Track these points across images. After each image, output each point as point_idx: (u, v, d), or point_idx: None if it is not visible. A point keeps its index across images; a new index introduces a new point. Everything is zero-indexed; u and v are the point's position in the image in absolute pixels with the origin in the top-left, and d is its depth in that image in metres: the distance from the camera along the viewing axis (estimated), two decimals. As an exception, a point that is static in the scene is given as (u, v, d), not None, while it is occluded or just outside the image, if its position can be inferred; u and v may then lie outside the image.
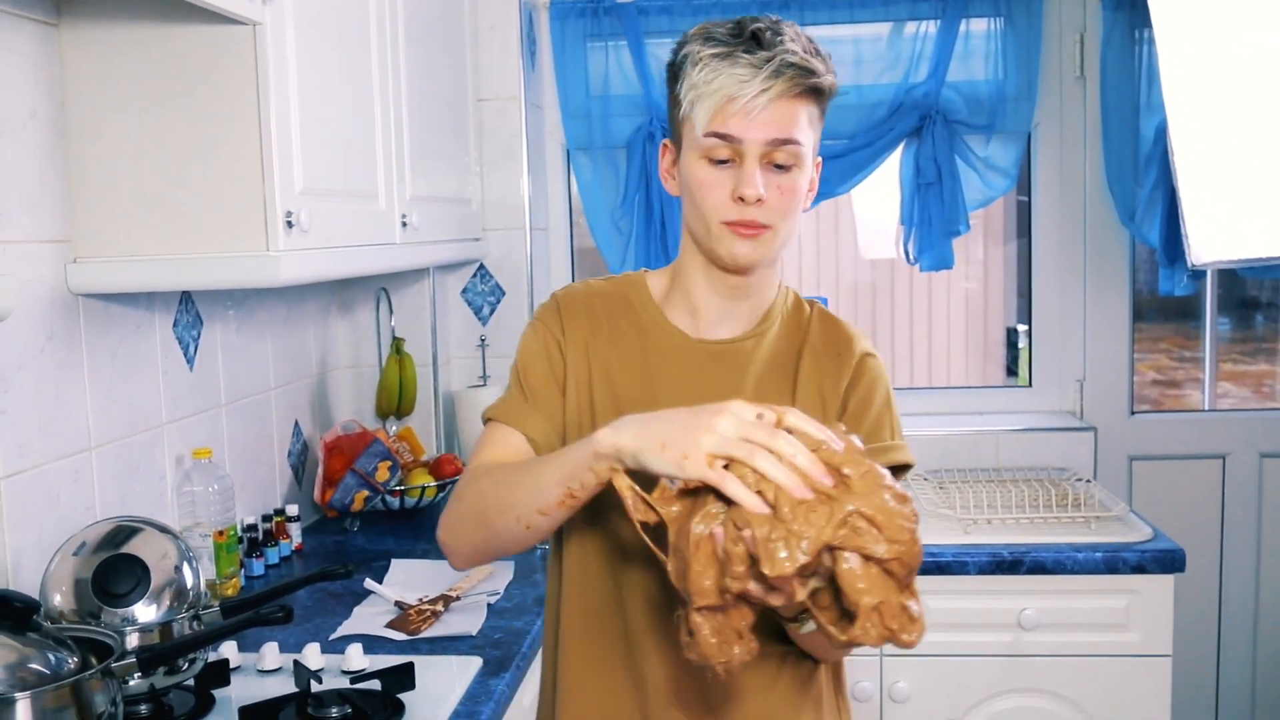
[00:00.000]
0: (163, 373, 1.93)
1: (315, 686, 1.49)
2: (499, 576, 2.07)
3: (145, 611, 1.45)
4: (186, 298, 2.01)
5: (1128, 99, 2.75)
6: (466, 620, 1.83)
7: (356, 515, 2.42)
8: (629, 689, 1.30)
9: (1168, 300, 2.98)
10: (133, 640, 1.42)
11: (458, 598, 1.93)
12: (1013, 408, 3.04)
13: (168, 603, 1.47)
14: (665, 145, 1.31)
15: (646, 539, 1.05)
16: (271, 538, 2.20)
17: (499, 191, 2.81)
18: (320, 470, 2.41)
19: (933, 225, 2.83)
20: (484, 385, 2.78)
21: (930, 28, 2.82)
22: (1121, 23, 2.74)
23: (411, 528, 2.46)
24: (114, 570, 1.45)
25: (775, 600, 0.98)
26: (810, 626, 1.10)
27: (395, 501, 2.44)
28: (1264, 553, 2.95)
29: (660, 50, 2.89)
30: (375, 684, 1.52)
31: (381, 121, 2.06)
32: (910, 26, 2.84)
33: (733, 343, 1.32)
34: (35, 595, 1.39)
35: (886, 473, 0.98)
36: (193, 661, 1.50)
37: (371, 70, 2.02)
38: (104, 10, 1.62)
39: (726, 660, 1.02)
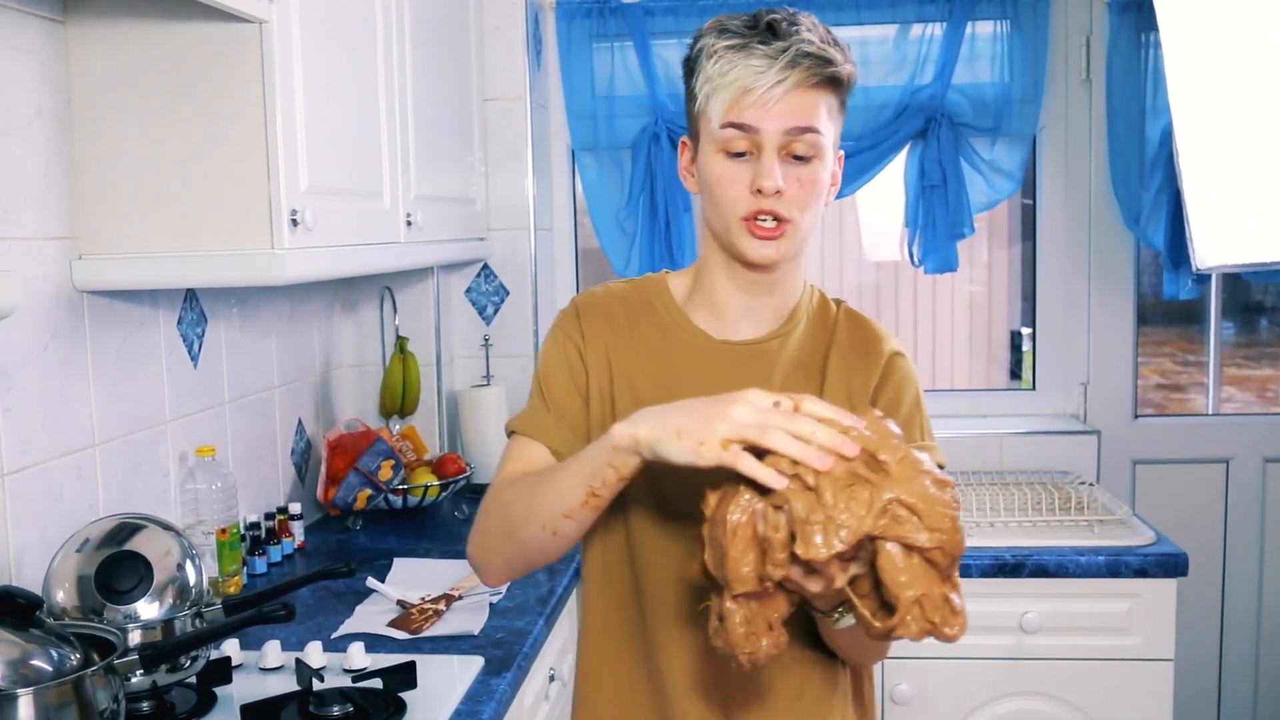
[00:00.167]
0: (167, 370, 1.94)
1: (317, 685, 1.49)
2: (501, 576, 2.06)
3: (148, 609, 1.45)
4: (191, 295, 2.01)
5: (1133, 102, 2.75)
6: (468, 619, 1.83)
7: (359, 514, 2.43)
8: (648, 685, 1.29)
9: (1172, 304, 2.97)
10: (135, 637, 1.42)
11: (460, 597, 1.93)
12: (1016, 411, 3.03)
13: (170, 600, 1.47)
14: (683, 143, 1.29)
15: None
16: (274, 536, 2.20)
17: (504, 191, 2.81)
18: (323, 469, 2.41)
19: (937, 228, 2.83)
20: (487, 385, 2.78)
21: (936, 30, 2.82)
22: (1128, 26, 2.73)
23: (414, 527, 2.46)
24: (117, 567, 1.45)
25: (814, 586, 0.97)
26: (847, 621, 1.07)
27: (398, 500, 2.44)
28: (1267, 557, 2.94)
29: (666, 51, 2.89)
30: (377, 683, 1.51)
31: (387, 120, 2.06)
32: (916, 29, 2.84)
33: (757, 343, 1.29)
34: (38, 592, 1.39)
35: (925, 458, 0.96)
36: (195, 659, 1.50)
37: (377, 69, 2.02)
38: (111, 8, 1.62)
39: (752, 651, 1.00)
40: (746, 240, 1.20)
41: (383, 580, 2.02)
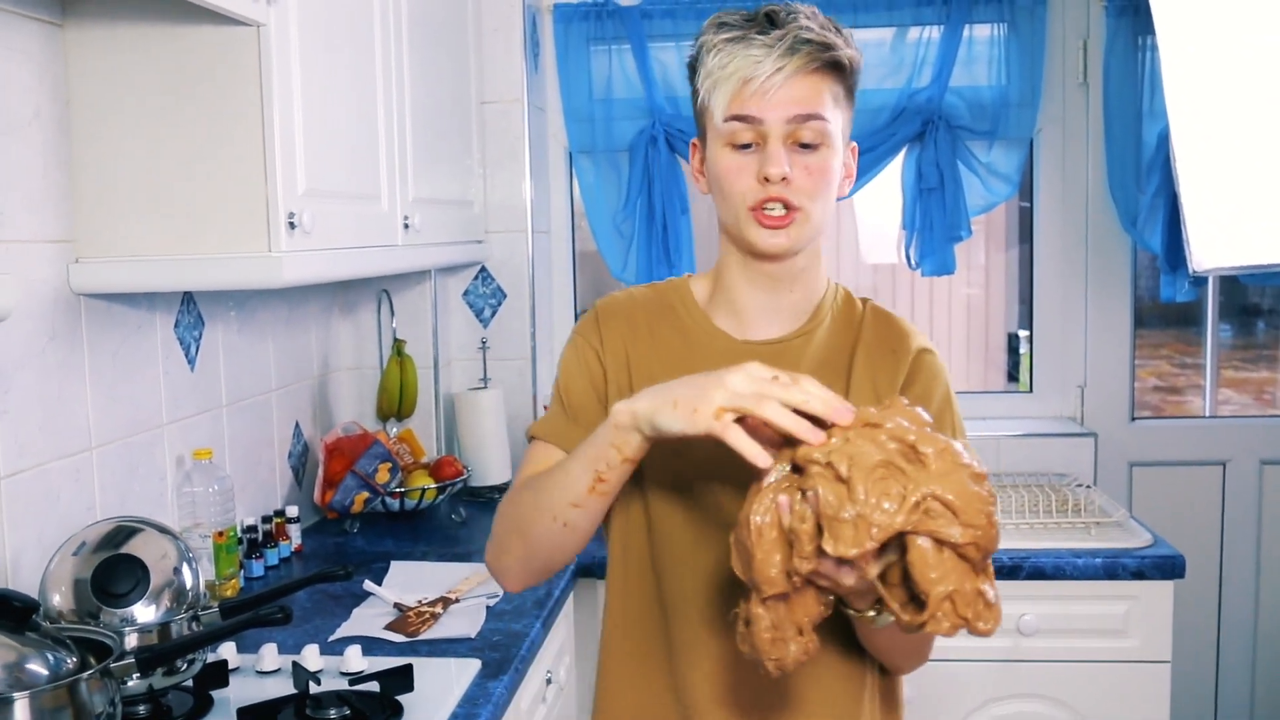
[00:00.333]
0: (164, 373, 1.93)
1: (314, 688, 1.49)
2: (498, 579, 2.06)
3: (144, 612, 1.45)
4: (188, 298, 2.01)
5: (1130, 105, 2.75)
6: (465, 623, 1.83)
7: (356, 517, 2.42)
8: (670, 695, 1.27)
9: (1169, 306, 2.98)
10: (131, 640, 1.42)
11: (457, 600, 1.93)
12: (1014, 413, 3.03)
13: (167, 603, 1.47)
14: (693, 144, 1.28)
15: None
16: (271, 539, 2.20)
17: (501, 194, 2.81)
18: (320, 472, 2.41)
19: (934, 230, 2.83)
20: (485, 387, 2.78)
21: (934, 33, 2.82)
22: (1125, 29, 2.74)
23: (411, 530, 2.46)
24: (113, 570, 1.45)
25: (848, 580, 0.95)
26: (885, 619, 1.03)
27: (395, 503, 2.44)
28: (1264, 559, 2.95)
29: (664, 54, 2.89)
30: (374, 686, 1.51)
31: (384, 123, 2.06)
32: (914, 32, 2.84)
33: (780, 342, 1.27)
34: (34, 595, 1.39)
35: (963, 450, 0.94)
36: (191, 662, 1.50)
37: (375, 72, 2.02)
38: (109, 11, 1.62)
39: (780, 657, 0.98)
40: (755, 230, 1.19)
41: (380, 583, 2.02)
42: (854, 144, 1.26)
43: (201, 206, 1.62)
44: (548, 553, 1.22)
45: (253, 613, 1.48)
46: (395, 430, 2.65)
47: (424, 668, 1.59)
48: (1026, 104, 2.82)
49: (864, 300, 1.32)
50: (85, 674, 1.18)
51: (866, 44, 2.88)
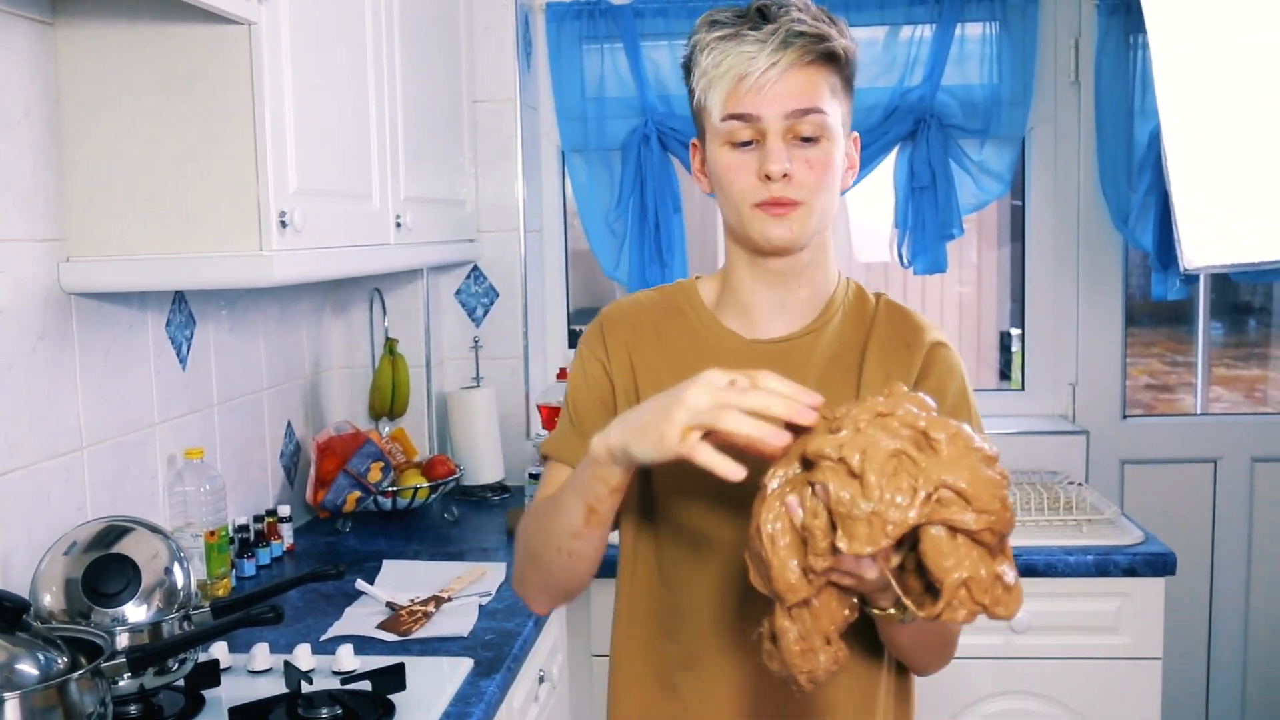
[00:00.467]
0: (155, 372, 1.93)
1: (306, 687, 1.49)
2: (490, 578, 2.06)
3: (135, 611, 1.45)
4: (179, 297, 2.01)
5: (1122, 104, 2.76)
6: (457, 621, 1.83)
7: (348, 516, 2.42)
8: (680, 705, 1.26)
9: (1160, 305, 2.98)
10: (123, 640, 1.42)
11: (449, 599, 1.93)
12: (1005, 411, 3.04)
13: (158, 603, 1.47)
14: (693, 145, 1.27)
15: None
16: (263, 538, 2.20)
17: (493, 193, 2.80)
18: (312, 471, 2.41)
19: (926, 229, 2.84)
20: (477, 386, 2.78)
21: (925, 32, 2.82)
22: (1116, 28, 2.74)
23: (403, 529, 2.45)
24: (104, 570, 1.45)
25: (870, 573, 0.93)
26: (913, 615, 0.99)
27: (387, 502, 2.44)
28: (1255, 557, 2.95)
29: (656, 53, 2.89)
30: (366, 685, 1.51)
31: (376, 122, 2.06)
32: (906, 30, 2.85)
33: (789, 340, 1.25)
34: (25, 594, 1.39)
35: (973, 433, 0.92)
36: (183, 662, 1.49)
37: (367, 70, 2.02)
38: (99, 9, 1.61)
39: (811, 670, 0.96)
40: (758, 224, 1.18)
41: (372, 582, 2.02)
42: (856, 134, 1.25)
43: (193, 205, 1.62)
44: (562, 579, 1.22)
45: (244, 612, 1.48)
46: (387, 429, 2.65)
47: (416, 667, 1.59)
48: (1018, 102, 2.83)
49: (877, 295, 1.30)
50: (76, 674, 1.18)
51: (858, 43, 2.88)
